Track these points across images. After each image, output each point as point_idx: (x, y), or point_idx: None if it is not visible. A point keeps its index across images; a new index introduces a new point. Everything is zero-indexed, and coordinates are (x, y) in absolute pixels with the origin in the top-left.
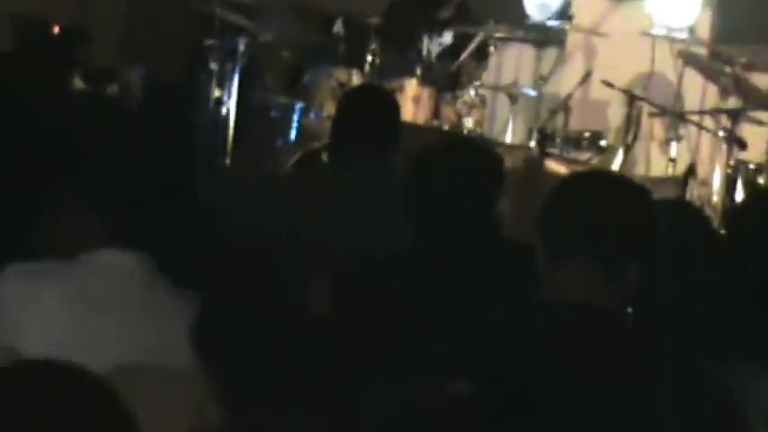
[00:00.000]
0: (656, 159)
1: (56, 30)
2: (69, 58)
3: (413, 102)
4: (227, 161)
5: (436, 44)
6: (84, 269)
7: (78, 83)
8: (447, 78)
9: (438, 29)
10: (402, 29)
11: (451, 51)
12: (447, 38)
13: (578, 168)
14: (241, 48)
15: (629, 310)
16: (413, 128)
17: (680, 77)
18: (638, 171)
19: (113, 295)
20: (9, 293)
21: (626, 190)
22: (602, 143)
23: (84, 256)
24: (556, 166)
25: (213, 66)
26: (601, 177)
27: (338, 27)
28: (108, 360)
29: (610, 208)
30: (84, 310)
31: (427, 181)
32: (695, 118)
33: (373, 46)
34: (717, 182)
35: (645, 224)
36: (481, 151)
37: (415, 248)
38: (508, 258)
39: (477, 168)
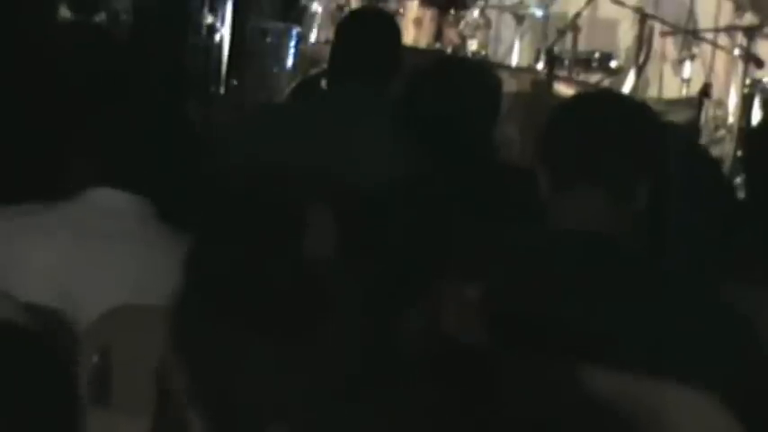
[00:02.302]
0: (669, 80)
1: None
2: None
3: (414, 24)
4: (221, 90)
5: None
6: (74, 208)
7: (65, 12)
8: None
9: None
10: None
11: None
12: None
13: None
14: None
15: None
16: (415, 51)
17: None
18: (651, 93)
19: (106, 233)
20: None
21: (630, 109)
22: (613, 64)
23: (75, 196)
24: (564, 89)
25: None
26: (601, 97)
27: None
28: (101, 299)
29: (614, 129)
30: (77, 248)
31: (418, 102)
32: (709, 36)
33: None
34: (733, 102)
35: (653, 143)
36: (473, 70)
37: (410, 174)
38: (509, 183)
39: (469, 87)
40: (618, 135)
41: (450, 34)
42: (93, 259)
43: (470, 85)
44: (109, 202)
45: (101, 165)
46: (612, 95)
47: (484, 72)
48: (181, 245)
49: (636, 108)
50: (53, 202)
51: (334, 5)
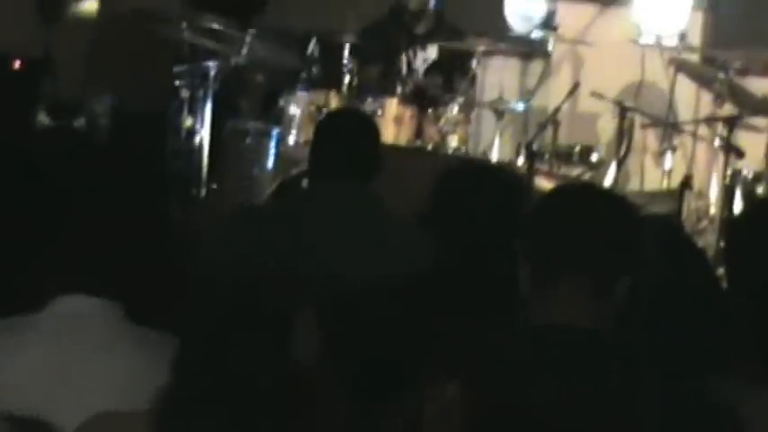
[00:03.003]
0: (651, 172)
1: (17, 64)
2: (32, 93)
3: (394, 122)
4: (202, 193)
5: (420, 59)
6: (48, 318)
7: (43, 118)
8: (430, 95)
9: (420, 44)
10: (381, 46)
11: (437, 67)
12: (431, 53)
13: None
14: (212, 73)
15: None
16: (395, 149)
17: (672, 86)
18: (633, 185)
19: (81, 343)
20: None
21: (610, 203)
22: (594, 157)
23: (48, 304)
24: (545, 184)
25: (184, 93)
26: (582, 192)
27: (313, 48)
28: (81, 407)
29: (595, 224)
30: (55, 360)
31: (453, 204)
32: (689, 127)
33: (350, 66)
34: (714, 193)
35: (634, 238)
36: (509, 178)
37: (395, 273)
38: (493, 278)
39: (506, 194)
40: (598, 230)
41: (431, 131)
42: (70, 368)
43: (499, 189)
44: (82, 309)
45: (76, 272)
46: (593, 190)
47: (513, 175)
48: (155, 347)
49: (616, 203)
50: (25, 314)
51: (312, 106)
